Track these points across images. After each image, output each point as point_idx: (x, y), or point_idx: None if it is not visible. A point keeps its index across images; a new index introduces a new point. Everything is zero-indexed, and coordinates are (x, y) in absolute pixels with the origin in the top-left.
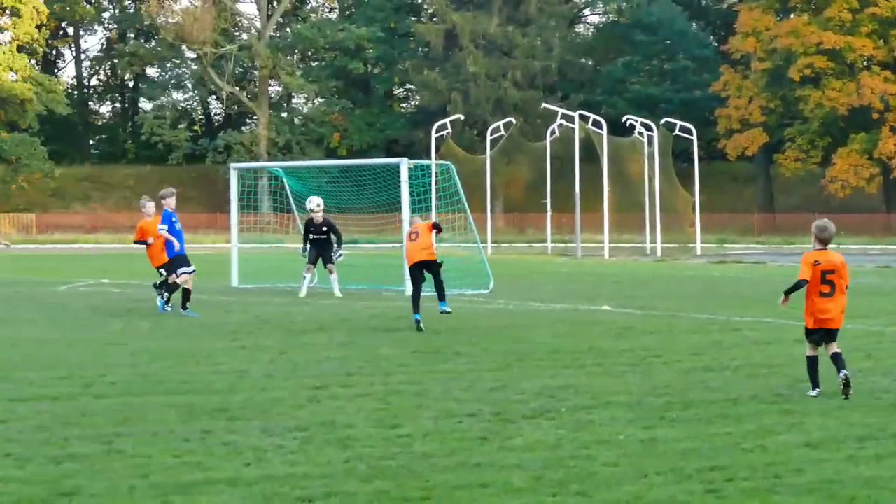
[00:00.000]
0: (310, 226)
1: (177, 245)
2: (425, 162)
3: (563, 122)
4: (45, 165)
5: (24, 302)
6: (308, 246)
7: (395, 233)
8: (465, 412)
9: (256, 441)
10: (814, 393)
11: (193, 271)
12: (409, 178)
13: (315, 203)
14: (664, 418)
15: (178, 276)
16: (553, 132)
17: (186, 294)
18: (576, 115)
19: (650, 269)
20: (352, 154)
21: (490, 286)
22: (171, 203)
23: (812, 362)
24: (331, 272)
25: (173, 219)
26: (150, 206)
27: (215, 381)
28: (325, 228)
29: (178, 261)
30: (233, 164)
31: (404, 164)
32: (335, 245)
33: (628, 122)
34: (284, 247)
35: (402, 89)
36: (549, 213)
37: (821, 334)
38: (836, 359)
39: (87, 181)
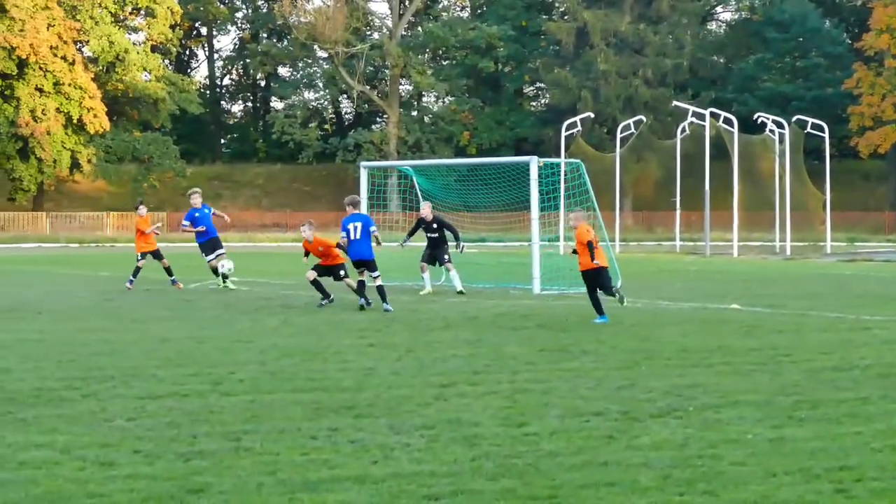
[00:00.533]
0: (421, 223)
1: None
2: (555, 160)
3: (693, 119)
4: (176, 164)
5: (153, 300)
6: (408, 240)
7: (523, 231)
8: (592, 410)
9: (383, 439)
10: None
11: (220, 254)
12: (539, 176)
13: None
14: (792, 417)
15: (211, 261)
16: (683, 130)
17: (214, 271)
18: (706, 112)
19: (779, 267)
20: (481, 153)
21: (619, 285)
22: (194, 201)
23: None
24: (448, 269)
25: (196, 214)
26: (141, 209)
27: (343, 379)
28: (435, 226)
29: (204, 246)
30: (363, 163)
31: (534, 162)
32: (451, 242)
33: (759, 120)
34: (412, 245)
35: (532, 87)
36: (678, 212)
37: None
38: None
39: (218, 180)
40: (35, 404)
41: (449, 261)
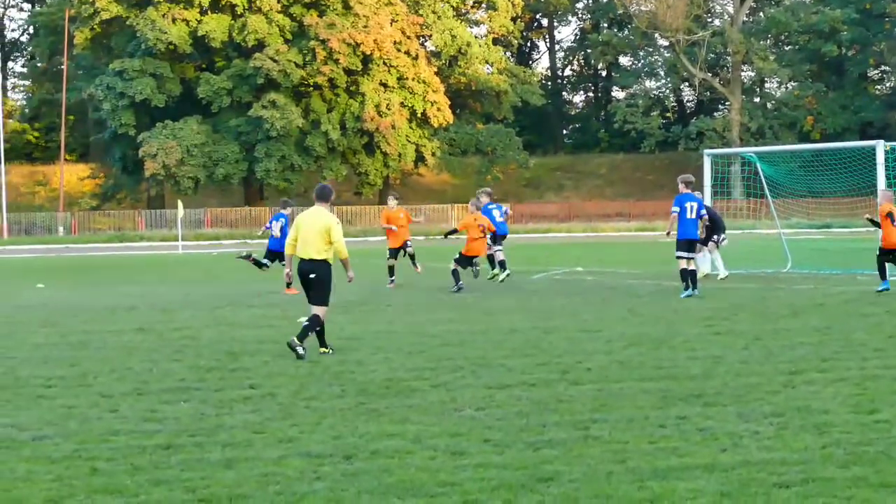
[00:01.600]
0: None
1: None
2: None
3: None
4: (519, 156)
5: (500, 290)
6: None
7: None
8: None
9: (732, 427)
10: None
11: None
12: (885, 160)
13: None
14: None
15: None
16: None
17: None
18: None
19: None
20: (825, 138)
21: None
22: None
23: None
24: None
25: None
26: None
27: (690, 367)
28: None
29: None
30: (706, 151)
31: (880, 146)
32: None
33: None
34: (757, 232)
35: (877, 71)
36: None
37: None
38: None
39: (560, 170)
40: (386, 395)
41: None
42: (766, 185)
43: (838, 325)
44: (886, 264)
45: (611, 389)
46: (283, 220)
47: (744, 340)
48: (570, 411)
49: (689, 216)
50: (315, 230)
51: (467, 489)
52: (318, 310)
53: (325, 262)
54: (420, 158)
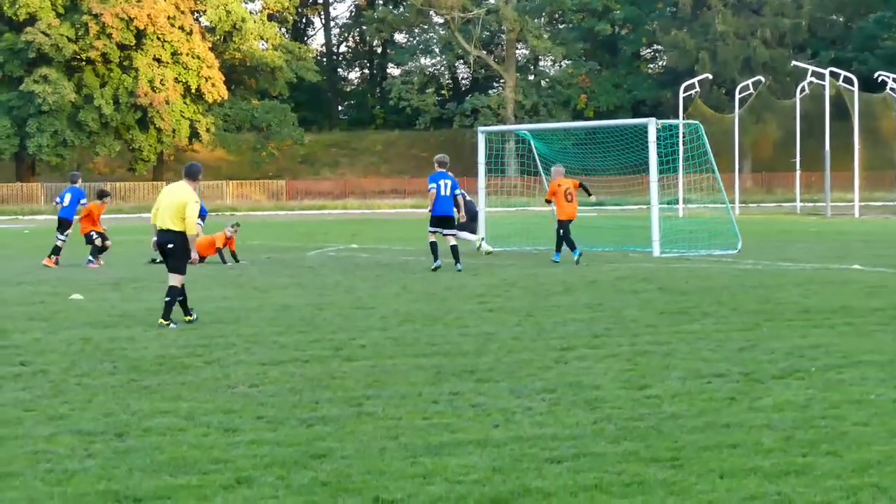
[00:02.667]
0: None
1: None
2: (673, 122)
3: (813, 79)
4: (295, 132)
5: (275, 267)
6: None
7: (642, 194)
8: (713, 372)
9: (505, 403)
10: None
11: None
12: (657, 138)
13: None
14: None
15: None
16: (803, 90)
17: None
18: (826, 72)
19: None
20: (598, 116)
21: (739, 246)
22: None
23: None
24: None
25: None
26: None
27: (463, 344)
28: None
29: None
30: (480, 128)
31: (652, 124)
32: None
33: (880, 79)
34: (530, 209)
35: (649, 50)
36: (798, 172)
37: None
38: None
39: (336, 147)
40: (158, 372)
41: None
42: (539, 163)
43: (610, 301)
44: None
45: (384, 366)
46: (71, 193)
47: (516, 317)
48: (343, 388)
49: (443, 193)
50: (172, 204)
51: (240, 466)
52: (175, 279)
53: (181, 233)
54: (195, 134)
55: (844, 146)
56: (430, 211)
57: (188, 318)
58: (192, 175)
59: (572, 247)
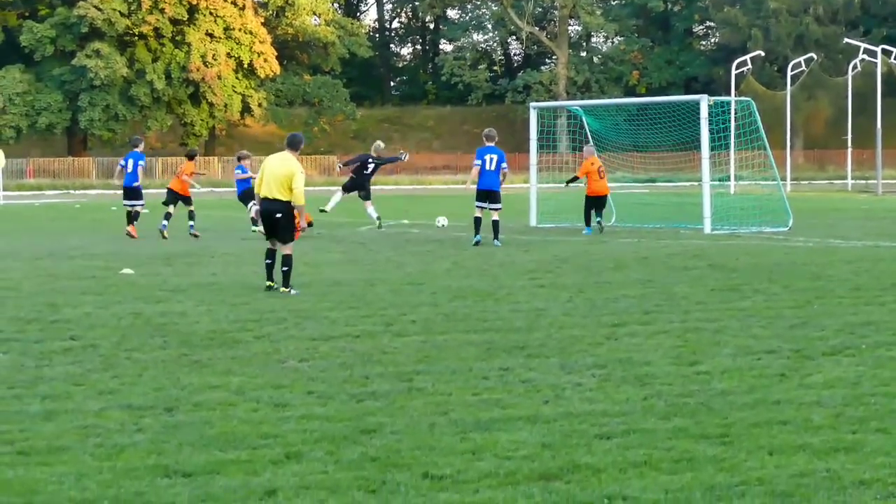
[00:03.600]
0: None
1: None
2: (725, 99)
3: (865, 56)
4: (346, 108)
5: (325, 243)
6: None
7: (693, 171)
8: (763, 349)
9: (555, 379)
10: None
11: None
12: (709, 115)
13: None
14: None
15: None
16: (855, 67)
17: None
18: (878, 49)
19: None
20: (650, 92)
21: (790, 224)
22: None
23: None
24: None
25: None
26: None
27: (514, 320)
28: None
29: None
30: (532, 104)
31: (704, 101)
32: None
33: None
34: (583, 186)
35: (701, 27)
36: (849, 150)
37: None
38: None
39: (388, 122)
40: (209, 346)
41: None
42: (591, 139)
43: (660, 278)
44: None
45: (435, 341)
46: (133, 158)
47: (567, 293)
48: (393, 363)
49: (488, 168)
50: (279, 175)
51: (290, 441)
52: (287, 248)
53: (288, 202)
54: (246, 109)
55: None
56: (467, 185)
57: (270, 283)
58: (294, 145)
59: (588, 222)
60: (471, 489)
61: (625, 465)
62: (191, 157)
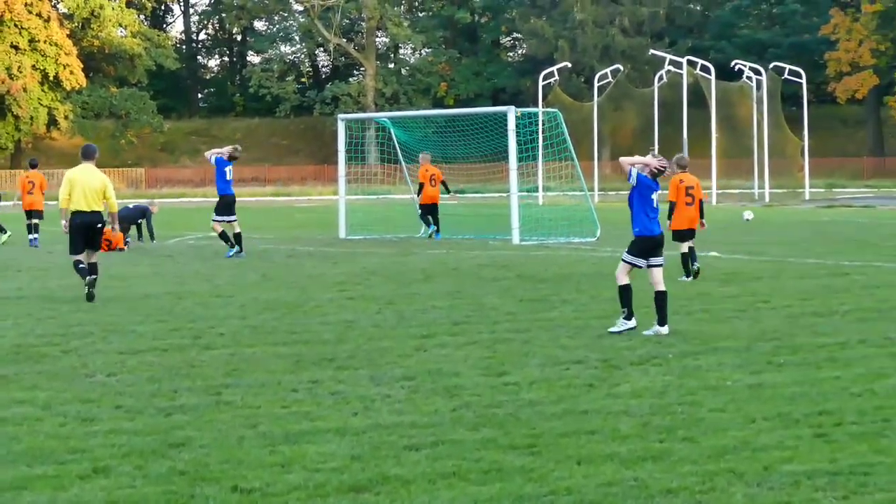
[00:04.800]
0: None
1: None
2: (532, 110)
3: (671, 68)
4: (154, 120)
5: (134, 256)
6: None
7: (502, 182)
8: (572, 359)
9: (364, 391)
10: None
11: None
12: (517, 126)
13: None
14: (772, 363)
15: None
16: (661, 78)
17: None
18: (684, 60)
19: (758, 214)
20: (458, 104)
21: (597, 234)
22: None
23: None
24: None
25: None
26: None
27: (323, 332)
28: None
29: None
30: (340, 116)
31: (511, 112)
32: None
33: (737, 67)
34: (391, 198)
35: (508, 38)
36: None
37: None
38: None
39: (196, 135)
40: (15, 361)
41: None
42: (399, 151)
43: (469, 289)
44: None
45: (244, 354)
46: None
47: (376, 305)
48: (202, 376)
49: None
50: (94, 187)
51: (98, 455)
52: (96, 256)
53: (101, 212)
54: (53, 122)
55: (702, 134)
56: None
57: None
58: (91, 156)
59: (427, 224)
60: (280, 502)
61: (434, 477)
62: (33, 166)
